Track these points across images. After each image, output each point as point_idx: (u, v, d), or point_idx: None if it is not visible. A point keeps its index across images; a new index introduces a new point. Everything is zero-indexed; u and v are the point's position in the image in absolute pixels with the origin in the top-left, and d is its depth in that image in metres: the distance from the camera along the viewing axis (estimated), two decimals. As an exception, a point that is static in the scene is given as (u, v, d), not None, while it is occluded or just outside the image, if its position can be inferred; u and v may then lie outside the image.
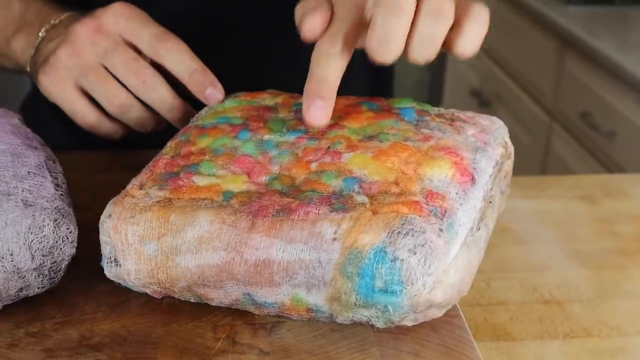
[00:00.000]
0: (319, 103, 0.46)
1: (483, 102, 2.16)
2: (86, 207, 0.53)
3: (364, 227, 0.40)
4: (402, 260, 0.39)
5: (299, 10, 0.48)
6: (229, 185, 0.44)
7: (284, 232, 0.41)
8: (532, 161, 1.88)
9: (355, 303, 0.40)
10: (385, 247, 0.39)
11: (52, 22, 0.63)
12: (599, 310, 0.60)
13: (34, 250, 0.42)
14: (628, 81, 1.47)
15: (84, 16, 0.60)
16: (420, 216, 0.40)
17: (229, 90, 0.57)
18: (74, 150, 0.67)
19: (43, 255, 0.43)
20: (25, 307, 0.44)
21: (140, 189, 0.45)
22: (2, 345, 0.42)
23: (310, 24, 0.46)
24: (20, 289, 0.43)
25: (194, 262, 0.42)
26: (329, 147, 0.46)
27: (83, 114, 0.60)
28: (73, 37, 0.59)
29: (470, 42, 0.46)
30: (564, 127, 1.74)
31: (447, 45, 0.46)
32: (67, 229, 0.44)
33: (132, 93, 0.58)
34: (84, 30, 0.58)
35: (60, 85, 0.59)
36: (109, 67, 0.58)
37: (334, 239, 0.40)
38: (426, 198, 0.42)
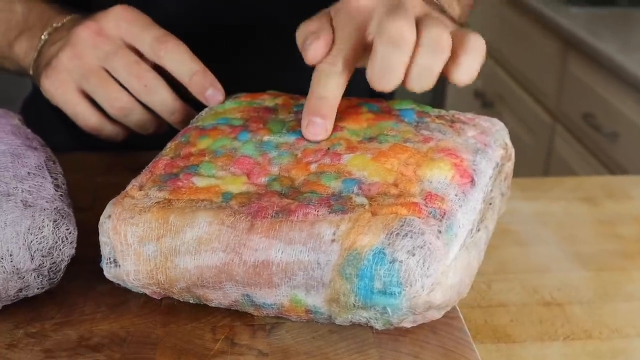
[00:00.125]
0: (319, 120, 0.47)
1: (486, 104, 2.16)
2: (87, 208, 0.53)
3: (363, 228, 0.40)
4: (401, 261, 0.39)
5: (301, 32, 0.50)
6: (228, 186, 0.44)
7: (283, 233, 0.41)
8: (535, 162, 1.88)
9: (354, 304, 0.40)
10: (384, 249, 0.39)
11: (54, 25, 0.64)
12: (600, 312, 0.60)
13: (33, 250, 0.42)
14: (631, 82, 1.47)
15: (86, 19, 0.60)
16: (419, 218, 0.40)
17: (230, 91, 0.57)
18: (75, 151, 0.67)
19: (42, 256, 0.43)
20: (25, 307, 0.45)
21: (140, 190, 0.45)
22: (2, 345, 0.42)
23: (313, 50, 0.48)
24: (20, 290, 0.43)
25: (192, 263, 0.42)
26: (328, 149, 0.46)
27: (85, 116, 0.60)
28: (75, 40, 0.59)
29: (466, 73, 0.47)
30: (566, 128, 1.74)
31: (444, 74, 0.47)
32: (67, 229, 0.44)
33: (133, 96, 0.59)
34: (85, 33, 0.58)
35: (62, 88, 0.59)
36: (111, 70, 0.59)
37: (333, 240, 0.40)
38: (425, 200, 0.42)
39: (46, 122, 0.73)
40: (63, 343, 0.42)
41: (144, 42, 0.58)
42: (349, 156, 0.45)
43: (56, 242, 0.43)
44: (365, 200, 0.42)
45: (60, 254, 0.43)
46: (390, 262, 0.39)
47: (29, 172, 0.46)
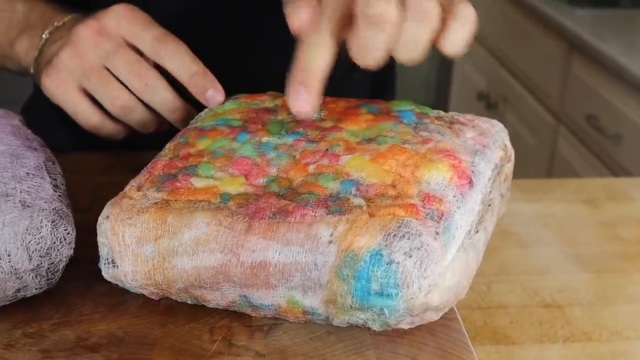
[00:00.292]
0: (304, 92, 0.45)
1: (490, 105, 2.16)
2: (86, 208, 0.53)
3: (360, 229, 0.40)
4: (398, 263, 0.39)
5: (287, 2, 0.48)
6: (226, 187, 0.44)
7: (281, 234, 0.41)
8: (538, 164, 1.88)
9: (351, 306, 0.40)
10: (381, 250, 0.39)
11: (55, 24, 0.64)
12: (600, 314, 0.60)
13: (31, 251, 0.42)
14: (634, 84, 1.46)
15: (87, 18, 0.60)
16: (416, 219, 0.40)
17: (230, 92, 0.57)
18: (75, 151, 0.67)
19: (40, 256, 0.43)
20: (23, 307, 0.45)
21: (138, 191, 0.45)
22: (-1, 345, 0.42)
23: (298, 16, 0.46)
24: (18, 290, 0.43)
25: (190, 264, 0.42)
26: (327, 150, 0.46)
27: (85, 115, 0.60)
28: (75, 39, 0.59)
29: (455, 42, 0.46)
30: (570, 130, 1.74)
31: (433, 44, 0.46)
32: (65, 230, 0.44)
33: (134, 95, 0.59)
34: (86, 32, 0.59)
35: (62, 87, 0.59)
36: (112, 68, 0.59)
37: (330, 242, 0.40)
38: (423, 201, 0.42)
39: (47, 122, 0.73)
40: (61, 343, 0.42)
41: (145, 41, 0.58)
42: (347, 157, 0.45)
43: (54, 243, 0.43)
44: (362, 202, 0.42)
45: (58, 254, 0.43)
46: (387, 264, 0.39)
47: (27, 173, 0.46)
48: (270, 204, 0.42)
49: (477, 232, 0.45)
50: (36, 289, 0.44)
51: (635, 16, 1.80)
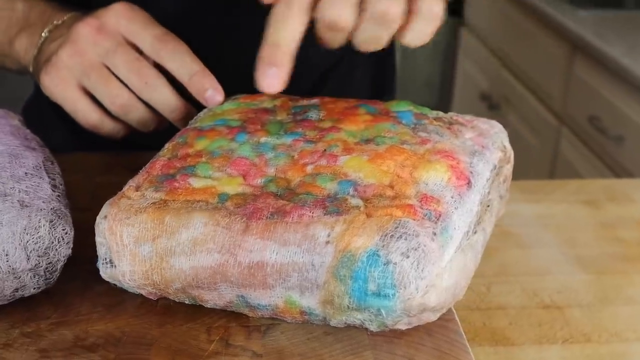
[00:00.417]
0: (272, 70, 0.45)
1: (492, 106, 2.16)
2: (86, 208, 0.53)
3: (358, 230, 0.40)
4: (395, 263, 0.39)
5: None
6: (224, 188, 0.44)
7: (278, 234, 0.41)
8: (541, 165, 1.87)
9: (348, 306, 0.40)
10: (378, 251, 0.39)
11: (55, 22, 0.64)
12: (600, 315, 0.60)
13: (29, 250, 0.42)
14: (637, 85, 1.46)
15: (86, 16, 0.60)
16: (414, 220, 0.40)
17: (229, 92, 0.57)
18: (75, 150, 0.67)
19: (38, 256, 0.43)
20: (21, 307, 0.45)
21: (137, 191, 0.45)
22: (-3, 345, 0.42)
23: None
24: (16, 290, 0.43)
25: (188, 264, 0.42)
26: (325, 150, 0.46)
27: (85, 113, 0.60)
28: (75, 36, 0.59)
29: (415, 37, 0.47)
30: (572, 131, 1.74)
31: (395, 34, 0.47)
32: (63, 229, 0.44)
33: (134, 93, 0.59)
34: (85, 30, 0.59)
35: (62, 85, 0.59)
36: (111, 67, 0.59)
37: (327, 242, 0.40)
38: (421, 202, 0.42)
39: (47, 121, 0.73)
40: (58, 343, 0.42)
41: (145, 40, 0.58)
42: (345, 158, 0.45)
43: (52, 242, 0.43)
44: (360, 202, 0.42)
45: (56, 254, 0.44)
46: (384, 264, 0.39)
47: (26, 173, 0.46)
48: (267, 204, 0.42)
49: (475, 232, 0.45)
50: (34, 288, 0.44)
51: (638, 17, 1.80)
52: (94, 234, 0.45)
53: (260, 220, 0.41)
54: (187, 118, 0.58)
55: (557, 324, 0.58)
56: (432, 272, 0.39)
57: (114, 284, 0.45)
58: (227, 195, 0.44)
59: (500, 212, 0.52)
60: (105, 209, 0.44)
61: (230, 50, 0.73)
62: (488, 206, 0.48)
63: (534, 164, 1.91)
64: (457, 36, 2.56)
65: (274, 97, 0.55)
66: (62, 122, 0.69)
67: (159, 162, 0.47)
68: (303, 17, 0.46)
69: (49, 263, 0.43)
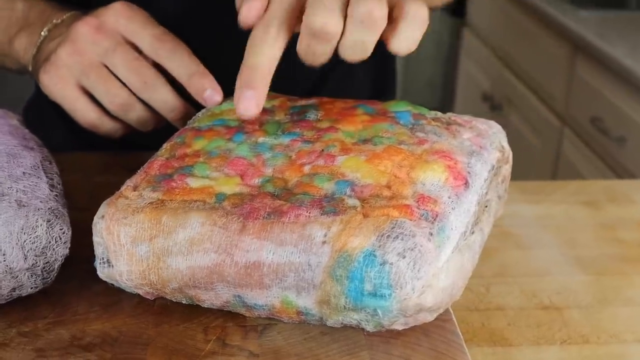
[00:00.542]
0: (249, 93, 0.46)
1: (494, 106, 2.15)
2: (84, 208, 0.53)
3: (354, 230, 0.40)
4: (391, 263, 0.38)
5: None
6: (221, 187, 0.44)
7: (275, 234, 0.41)
8: (543, 166, 1.87)
9: (344, 306, 0.40)
10: (374, 251, 0.39)
11: (54, 21, 0.64)
12: (598, 316, 0.60)
13: (26, 250, 0.42)
14: (639, 86, 1.46)
15: (86, 15, 0.60)
16: (410, 220, 0.40)
17: (228, 92, 0.57)
18: (75, 150, 0.67)
19: (36, 256, 0.43)
20: (19, 306, 0.45)
21: (134, 191, 0.45)
22: (-6, 344, 0.42)
23: (246, 10, 0.46)
24: (13, 289, 0.43)
25: (184, 264, 0.42)
26: (322, 150, 0.46)
27: (83, 112, 0.60)
28: (74, 36, 0.59)
29: (404, 42, 0.47)
30: (574, 131, 1.73)
31: (383, 40, 0.47)
32: (61, 229, 0.44)
33: (133, 93, 0.59)
34: (84, 29, 0.59)
35: (61, 84, 0.59)
36: (110, 66, 0.59)
37: (324, 242, 0.40)
38: (417, 202, 0.42)
39: (48, 120, 0.73)
40: (55, 342, 0.42)
41: (144, 39, 0.58)
42: (343, 158, 0.45)
43: (49, 242, 0.43)
44: (357, 202, 0.42)
45: (53, 253, 0.44)
46: (380, 264, 0.39)
47: (24, 172, 0.46)
48: (264, 204, 0.42)
49: (472, 233, 0.45)
50: (31, 288, 0.44)
51: (641, 18, 1.80)
52: (92, 234, 0.45)
53: (257, 220, 0.41)
54: (185, 118, 0.58)
55: (555, 325, 0.58)
56: (428, 272, 0.39)
57: (112, 284, 0.45)
58: (224, 195, 0.44)
59: (499, 212, 0.52)
60: (102, 209, 0.44)
61: (229, 51, 0.73)
62: (486, 206, 0.48)
63: (536, 165, 1.90)
64: (459, 37, 2.56)
65: (273, 97, 0.55)
66: (62, 122, 0.69)
67: (156, 162, 0.47)
68: (281, 41, 0.46)
69: (46, 263, 0.43)
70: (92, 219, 0.45)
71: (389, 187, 0.43)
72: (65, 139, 0.72)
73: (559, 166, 1.80)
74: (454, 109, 2.48)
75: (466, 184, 0.45)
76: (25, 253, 0.42)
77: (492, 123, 0.52)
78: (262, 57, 0.46)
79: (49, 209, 0.44)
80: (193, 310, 0.45)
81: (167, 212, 0.43)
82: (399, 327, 0.41)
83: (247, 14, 0.47)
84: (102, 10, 0.59)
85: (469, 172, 0.45)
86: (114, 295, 0.46)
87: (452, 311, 0.45)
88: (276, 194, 0.43)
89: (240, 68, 0.47)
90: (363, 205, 0.42)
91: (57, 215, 0.44)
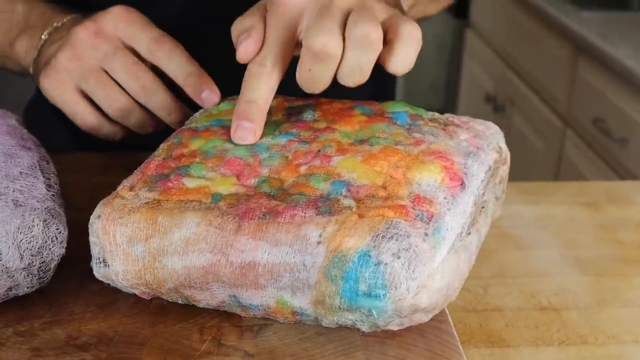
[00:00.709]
0: (246, 124, 0.47)
1: (497, 108, 2.15)
2: (83, 208, 0.53)
3: (349, 230, 0.40)
4: (386, 264, 0.38)
5: (235, 28, 0.50)
6: (218, 188, 0.44)
7: (270, 234, 0.41)
8: (545, 167, 1.87)
9: (339, 306, 0.40)
10: (369, 251, 0.39)
11: (54, 24, 0.64)
12: (597, 317, 0.59)
13: (22, 249, 0.42)
14: (641, 87, 1.46)
15: (85, 19, 0.60)
16: (405, 220, 0.40)
17: (225, 93, 0.58)
18: (76, 151, 0.67)
19: (32, 255, 0.43)
20: (16, 306, 0.45)
21: (131, 191, 0.45)
22: (-10, 343, 0.42)
23: (243, 48, 0.48)
24: (10, 289, 0.43)
25: (180, 264, 0.42)
26: (319, 151, 0.46)
27: (83, 116, 0.61)
28: (74, 40, 0.59)
29: (401, 63, 0.47)
30: (577, 133, 1.73)
31: (380, 62, 0.47)
32: (57, 229, 0.44)
33: (132, 97, 0.59)
34: (83, 33, 0.59)
35: (60, 88, 0.60)
36: (109, 71, 0.59)
37: (319, 242, 0.40)
38: (413, 202, 0.42)
39: (48, 122, 0.73)
40: (51, 342, 0.42)
41: (141, 42, 0.59)
42: (339, 158, 0.45)
43: (46, 242, 0.43)
44: (352, 203, 0.42)
45: (50, 253, 0.44)
46: (375, 265, 0.39)
47: (21, 172, 0.46)
48: (260, 205, 0.42)
49: (469, 234, 0.45)
50: (28, 287, 0.44)
51: (643, 19, 1.80)
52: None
53: (253, 220, 0.41)
54: (184, 120, 0.58)
55: (553, 325, 0.58)
56: (423, 272, 0.39)
57: (108, 284, 0.46)
58: (220, 196, 0.44)
59: (496, 213, 0.52)
60: (99, 209, 0.45)
61: (226, 52, 0.73)
62: (483, 207, 0.48)
63: (538, 166, 1.90)
64: (462, 38, 2.56)
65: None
66: (63, 123, 0.69)
67: (153, 162, 0.47)
68: (277, 73, 0.48)
69: (42, 262, 0.44)
70: (90, 219, 0.45)
71: (384, 187, 0.43)
72: (67, 140, 0.72)
73: (561, 167, 1.80)
74: (457, 111, 2.48)
75: (462, 184, 0.45)
76: (22, 253, 0.42)
77: (490, 124, 0.52)
78: (259, 92, 0.48)
79: (45, 208, 0.44)
80: (189, 311, 0.45)
81: (163, 212, 0.43)
82: (394, 327, 0.41)
83: (244, 54, 0.48)
84: (101, 14, 0.60)
85: (465, 173, 0.45)
86: (110, 295, 0.46)
87: (448, 312, 0.45)
88: (272, 194, 0.43)
89: (237, 100, 0.48)
90: (358, 205, 0.42)
91: (53, 215, 0.44)
